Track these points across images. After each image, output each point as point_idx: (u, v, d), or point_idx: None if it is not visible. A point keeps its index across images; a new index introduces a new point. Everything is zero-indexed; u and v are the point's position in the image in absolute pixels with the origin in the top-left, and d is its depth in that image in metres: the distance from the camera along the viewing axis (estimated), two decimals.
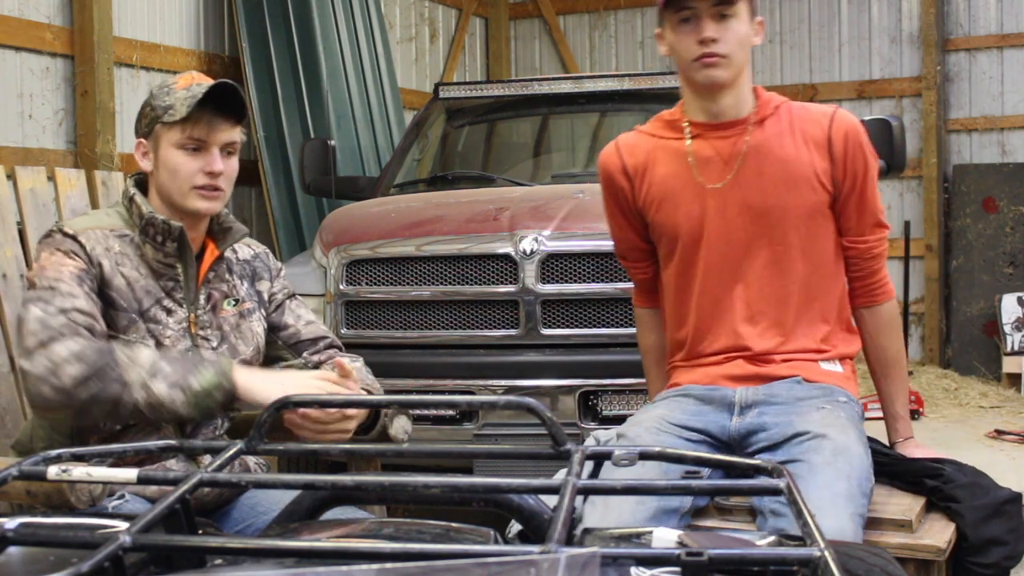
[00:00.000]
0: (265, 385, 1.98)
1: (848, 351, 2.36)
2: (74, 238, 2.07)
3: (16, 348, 2.04)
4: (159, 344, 2.09)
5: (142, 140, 2.15)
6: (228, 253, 2.25)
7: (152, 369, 1.94)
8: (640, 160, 2.40)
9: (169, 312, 2.11)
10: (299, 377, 2.07)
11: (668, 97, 5.14)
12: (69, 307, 1.98)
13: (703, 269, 2.33)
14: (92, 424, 2.04)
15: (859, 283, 2.38)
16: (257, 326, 2.25)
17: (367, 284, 3.90)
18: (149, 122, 2.12)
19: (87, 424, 2.04)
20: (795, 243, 2.30)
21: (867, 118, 4.33)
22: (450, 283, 3.81)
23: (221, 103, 2.09)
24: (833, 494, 1.96)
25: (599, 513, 2.04)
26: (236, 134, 2.14)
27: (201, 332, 2.15)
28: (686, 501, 2.10)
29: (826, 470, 2.00)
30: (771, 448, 2.18)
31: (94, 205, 2.82)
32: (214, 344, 2.16)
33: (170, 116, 2.07)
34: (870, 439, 2.35)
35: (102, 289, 2.06)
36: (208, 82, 2.10)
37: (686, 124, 2.35)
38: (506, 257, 3.77)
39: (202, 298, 2.17)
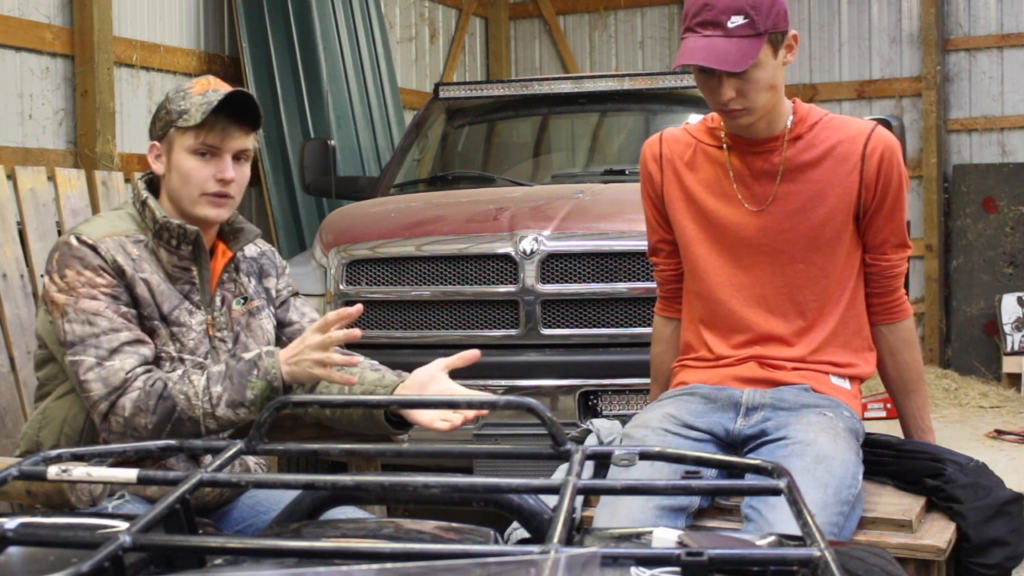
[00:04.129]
0: (301, 368, 2.02)
1: (862, 372, 2.35)
2: (94, 249, 2.05)
3: (85, 402, 2.06)
4: (182, 347, 2.10)
5: (156, 143, 2.14)
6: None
7: (209, 398, 2.00)
8: (677, 153, 2.39)
9: (191, 314, 2.12)
10: (307, 340, 2.04)
11: (668, 97, 5.17)
12: (117, 345, 2.01)
13: (728, 276, 2.33)
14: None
15: (878, 300, 2.37)
16: (267, 323, 2.26)
17: (367, 284, 3.90)
18: (164, 125, 2.12)
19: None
20: (820, 260, 2.29)
21: (867, 118, 4.33)
22: (450, 283, 3.81)
23: (236, 110, 2.09)
24: (807, 502, 1.96)
25: (608, 512, 2.04)
26: (249, 142, 2.14)
27: (218, 334, 2.16)
28: (694, 499, 2.11)
29: (803, 477, 1.99)
30: (757, 448, 2.18)
31: (94, 205, 2.82)
32: (229, 345, 2.17)
33: (185, 121, 2.07)
34: (876, 434, 2.36)
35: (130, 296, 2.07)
36: (225, 88, 2.10)
37: (723, 135, 2.34)
38: (506, 257, 3.76)
39: (217, 300, 2.17)
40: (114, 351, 2.00)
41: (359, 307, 2.03)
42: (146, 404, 1.98)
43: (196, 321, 2.12)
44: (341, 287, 3.90)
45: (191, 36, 5.89)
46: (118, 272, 2.05)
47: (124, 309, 2.04)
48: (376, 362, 2.33)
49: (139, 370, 2.01)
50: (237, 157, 2.13)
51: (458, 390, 2.14)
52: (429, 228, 3.97)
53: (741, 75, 2.16)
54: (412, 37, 7.98)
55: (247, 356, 2.07)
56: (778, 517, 1.92)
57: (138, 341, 2.03)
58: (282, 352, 2.04)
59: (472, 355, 2.13)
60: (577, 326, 3.75)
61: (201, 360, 2.12)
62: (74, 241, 2.06)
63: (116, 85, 5.25)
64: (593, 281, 3.73)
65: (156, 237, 2.11)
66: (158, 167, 2.14)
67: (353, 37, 6.58)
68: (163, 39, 5.68)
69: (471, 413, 2.07)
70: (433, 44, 8.24)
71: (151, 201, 2.12)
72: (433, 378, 2.13)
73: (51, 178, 2.77)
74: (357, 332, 2.01)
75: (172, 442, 1.38)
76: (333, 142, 5.05)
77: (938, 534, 2.09)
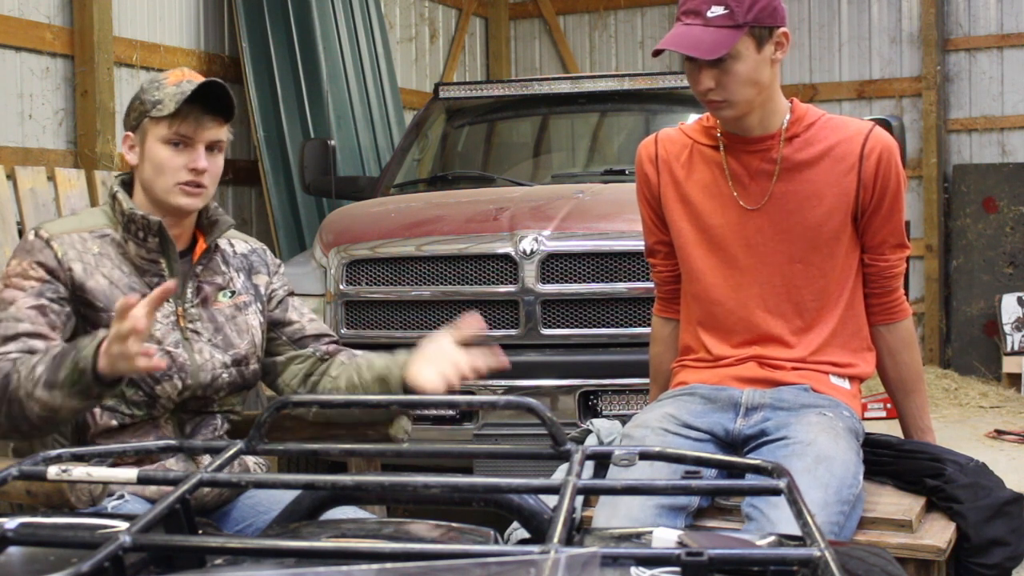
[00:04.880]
0: (111, 361, 1.85)
1: (861, 371, 2.34)
2: (47, 242, 2.07)
3: None
4: (149, 338, 2.04)
5: (129, 133, 2.15)
6: (225, 246, 2.26)
7: (32, 377, 1.92)
8: (673, 154, 2.39)
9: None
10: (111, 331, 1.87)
11: (668, 97, 5.17)
12: (13, 333, 2.00)
13: (724, 277, 2.32)
14: (46, 436, 2.05)
15: (877, 300, 2.36)
16: (253, 319, 2.24)
17: (367, 284, 3.90)
18: (137, 116, 2.12)
19: (44, 438, 2.06)
20: (818, 260, 2.29)
21: (867, 118, 4.33)
22: (450, 283, 3.81)
23: (210, 101, 2.10)
24: (808, 502, 1.96)
25: (608, 512, 2.04)
26: (223, 133, 2.14)
27: (190, 325, 2.15)
28: (694, 498, 2.11)
29: (804, 477, 1.99)
30: (757, 448, 2.18)
31: (94, 205, 2.83)
32: (207, 337, 2.16)
33: (158, 111, 2.08)
34: (876, 434, 2.36)
35: (76, 293, 2.06)
36: (198, 79, 2.11)
37: (719, 134, 2.34)
38: (506, 257, 3.77)
39: (189, 292, 2.17)
40: (7, 339, 2.00)
41: (166, 288, 1.83)
42: None
43: (162, 313, 2.11)
44: (341, 287, 3.90)
45: (191, 36, 5.89)
46: (64, 267, 2.06)
47: (44, 303, 2.03)
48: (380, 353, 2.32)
49: (13, 355, 1.98)
50: (210, 148, 2.13)
51: (462, 357, 2.08)
52: (429, 228, 3.97)
53: (720, 66, 2.18)
54: (412, 37, 7.98)
55: (79, 340, 1.97)
56: (779, 517, 1.92)
57: (35, 335, 2.01)
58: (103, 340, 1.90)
59: (475, 320, 2.11)
60: (577, 326, 3.75)
61: (171, 350, 2.10)
62: (31, 235, 2.10)
63: (116, 85, 5.24)
64: (593, 281, 3.73)
65: (125, 230, 2.12)
66: (131, 157, 2.15)
67: (353, 37, 6.58)
68: (163, 39, 5.68)
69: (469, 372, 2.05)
70: (433, 44, 8.24)
71: (120, 194, 2.14)
72: (440, 349, 2.11)
73: (51, 178, 2.77)
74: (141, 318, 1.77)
75: (172, 442, 1.39)
76: (333, 142, 5.05)
77: (938, 534, 2.09)
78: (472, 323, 2.12)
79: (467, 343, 2.11)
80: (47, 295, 2.04)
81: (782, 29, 2.24)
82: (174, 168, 2.09)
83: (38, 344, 2.01)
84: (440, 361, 2.08)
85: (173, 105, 2.06)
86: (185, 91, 2.06)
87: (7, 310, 2.03)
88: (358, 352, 2.32)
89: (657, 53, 2.26)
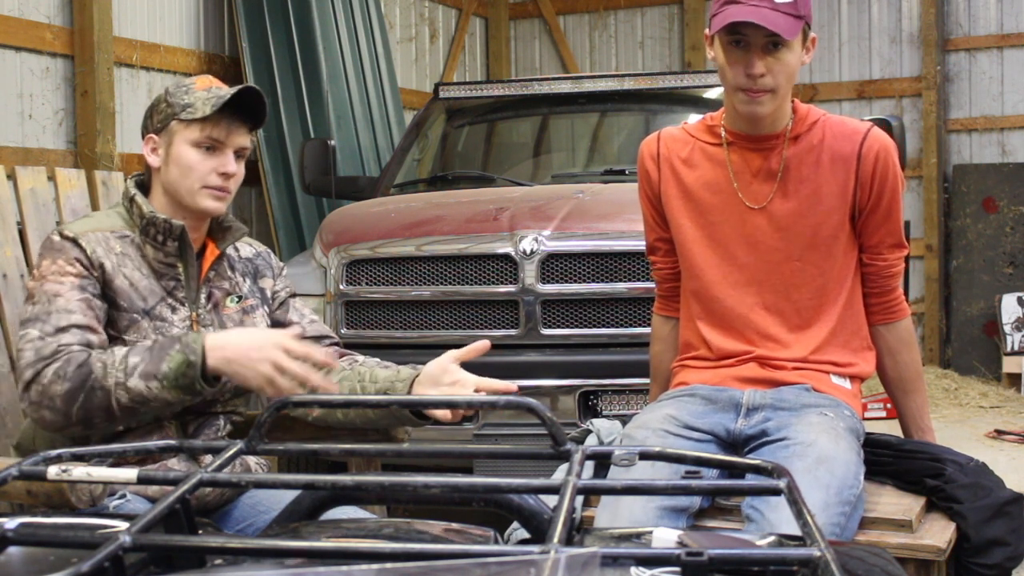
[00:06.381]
0: (235, 342, 1.97)
1: (862, 371, 2.35)
2: (74, 241, 2.07)
3: (17, 372, 2.04)
4: None
5: (153, 136, 2.16)
6: (230, 251, 2.27)
7: (124, 367, 1.95)
8: (675, 152, 2.39)
9: (173, 310, 2.13)
10: (268, 333, 2.03)
11: (668, 97, 5.18)
12: (66, 324, 2.00)
13: (724, 275, 2.33)
14: (109, 433, 2.04)
15: (876, 300, 2.37)
16: (260, 323, 2.26)
17: (367, 284, 3.90)
18: (164, 118, 2.13)
19: (105, 434, 2.04)
20: (817, 259, 2.29)
21: (867, 118, 4.33)
22: (450, 283, 3.81)
23: (240, 108, 2.12)
24: (808, 503, 1.96)
25: (609, 513, 2.04)
26: (248, 140, 2.17)
27: (203, 330, 2.15)
28: (695, 499, 2.11)
29: (804, 478, 1.99)
30: (758, 448, 2.18)
31: (94, 205, 2.82)
32: None
33: (189, 114, 2.09)
34: (876, 434, 2.36)
35: (104, 290, 2.07)
36: (225, 87, 2.13)
37: (723, 132, 2.34)
38: (506, 257, 3.77)
39: (203, 297, 2.18)
40: (61, 329, 1.99)
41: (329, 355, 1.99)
42: (64, 371, 1.94)
43: (179, 317, 2.13)
44: (341, 287, 3.90)
45: (191, 36, 5.89)
46: (96, 264, 2.06)
47: (87, 296, 2.04)
48: (381, 361, 2.33)
49: (75, 347, 1.98)
50: (237, 154, 2.15)
51: (471, 380, 2.12)
52: (429, 228, 3.97)
53: (775, 53, 2.18)
54: (412, 37, 7.98)
55: (176, 333, 2.04)
56: (779, 517, 1.92)
57: (88, 328, 2.02)
58: (210, 336, 1.99)
59: (482, 346, 2.14)
60: (577, 326, 3.75)
61: None
62: (56, 237, 2.10)
63: (116, 85, 5.25)
64: (593, 281, 3.73)
65: (143, 233, 2.12)
66: (154, 160, 2.15)
67: (353, 37, 6.58)
68: (163, 39, 5.68)
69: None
70: (433, 44, 8.24)
71: (138, 197, 2.14)
72: (445, 371, 2.13)
73: (51, 178, 2.77)
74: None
75: (172, 442, 1.38)
76: (333, 142, 5.05)
77: (938, 534, 2.09)
78: (478, 349, 2.13)
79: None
80: (89, 290, 2.05)
81: (813, 34, 2.27)
82: (204, 171, 2.10)
83: (92, 338, 2.01)
84: (445, 384, 2.11)
85: (209, 108, 2.07)
86: (218, 95, 2.08)
87: (55, 302, 2.01)
88: (359, 357, 2.33)
89: (720, 29, 2.17)
